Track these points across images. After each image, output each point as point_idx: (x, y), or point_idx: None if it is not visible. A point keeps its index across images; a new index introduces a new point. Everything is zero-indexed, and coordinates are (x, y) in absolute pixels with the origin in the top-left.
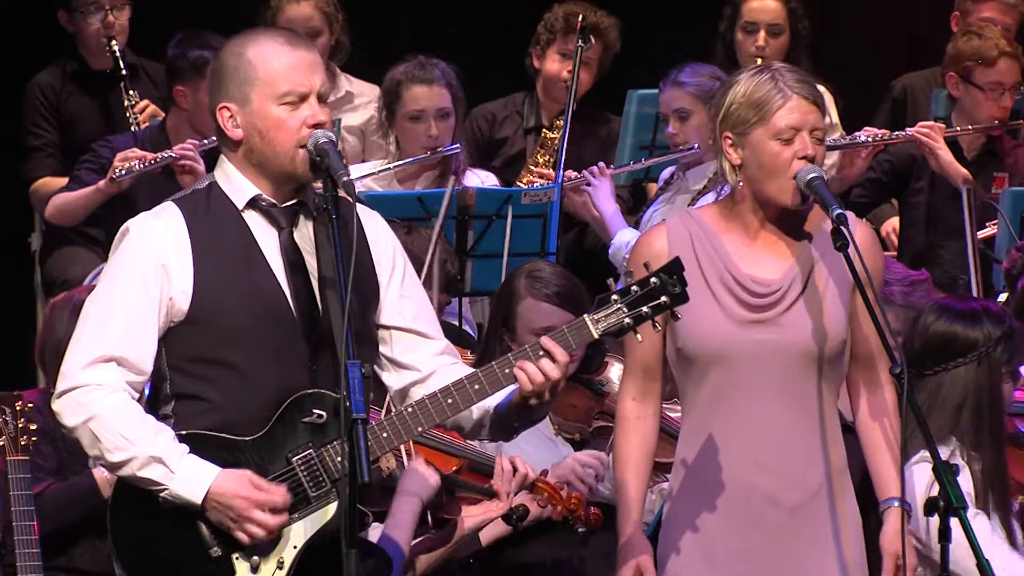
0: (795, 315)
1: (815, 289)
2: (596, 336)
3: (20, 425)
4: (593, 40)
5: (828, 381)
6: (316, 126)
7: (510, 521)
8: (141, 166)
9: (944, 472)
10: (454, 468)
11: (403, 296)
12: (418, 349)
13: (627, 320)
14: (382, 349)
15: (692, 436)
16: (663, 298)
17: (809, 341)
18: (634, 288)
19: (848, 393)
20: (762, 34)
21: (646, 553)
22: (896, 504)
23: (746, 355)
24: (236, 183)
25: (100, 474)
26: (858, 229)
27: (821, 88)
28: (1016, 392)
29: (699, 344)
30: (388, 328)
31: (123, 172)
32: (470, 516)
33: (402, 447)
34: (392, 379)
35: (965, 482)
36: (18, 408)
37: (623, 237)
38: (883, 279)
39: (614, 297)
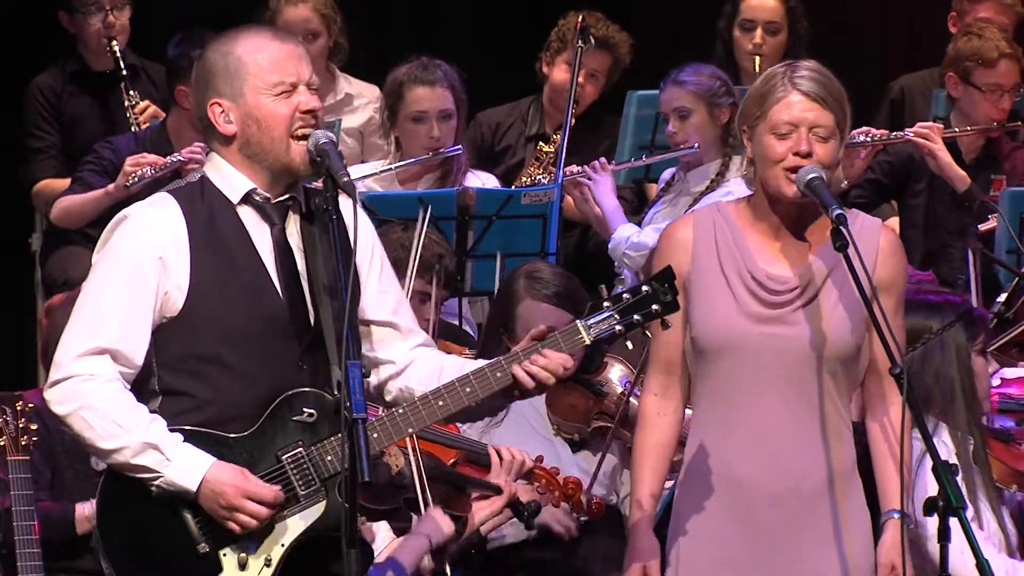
0: (806, 315)
1: (831, 292)
2: (588, 342)
3: (21, 425)
4: (593, 42)
5: (837, 383)
6: (308, 112)
7: (522, 517)
8: (152, 172)
9: (943, 472)
10: (452, 459)
11: (382, 291)
12: (394, 343)
13: (618, 327)
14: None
15: (700, 427)
16: (654, 306)
17: (816, 341)
18: (626, 296)
19: (864, 402)
20: (759, 32)
21: (653, 555)
22: (895, 516)
23: (753, 349)
24: (229, 178)
25: (81, 510)
26: (882, 235)
27: None
28: (1014, 387)
29: (710, 334)
30: (368, 323)
31: (136, 179)
32: (479, 510)
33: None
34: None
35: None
36: (19, 408)
37: (623, 232)
38: (905, 285)
39: (606, 304)
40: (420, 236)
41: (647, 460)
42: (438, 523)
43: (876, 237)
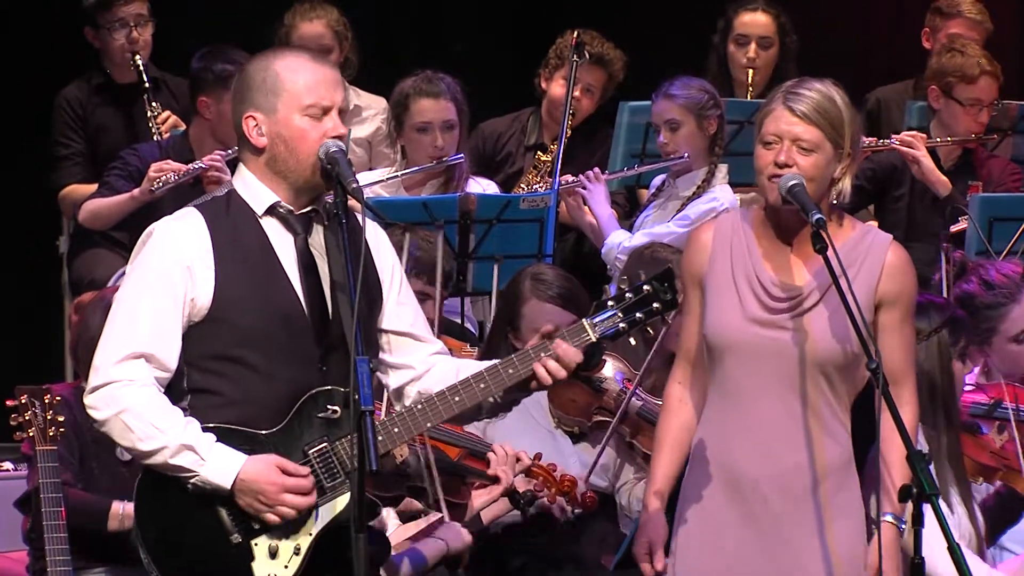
0: (804, 322)
1: (830, 302)
2: (594, 339)
3: (49, 417)
4: (587, 56)
5: (832, 385)
6: (336, 138)
7: (519, 506)
8: (175, 177)
9: (917, 461)
10: (456, 455)
11: (401, 303)
12: (414, 351)
13: (622, 324)
14: (380, 353)
15: (707, 421)
16: (655, 304)
17: (810, 347)
18: (628, 295)
19: (875, 408)
20: (752, 46)
21: (660, 531)
22: (888, 519)
23: (751, 350)
24: (255, 190)
25: (116, 508)
26: (891, 251)
27: None
28: (975, 395)
29: (715, 333)
30: (387, 332)
31: (160, 184)
32: (477, 497)
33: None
34: (389, 379)
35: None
36: (47, 401)
37: (616, 238)
38: (913, 299)
39: (610, 303)
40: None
41: (665, 444)
42: (458, 533)
43: (884, 253)
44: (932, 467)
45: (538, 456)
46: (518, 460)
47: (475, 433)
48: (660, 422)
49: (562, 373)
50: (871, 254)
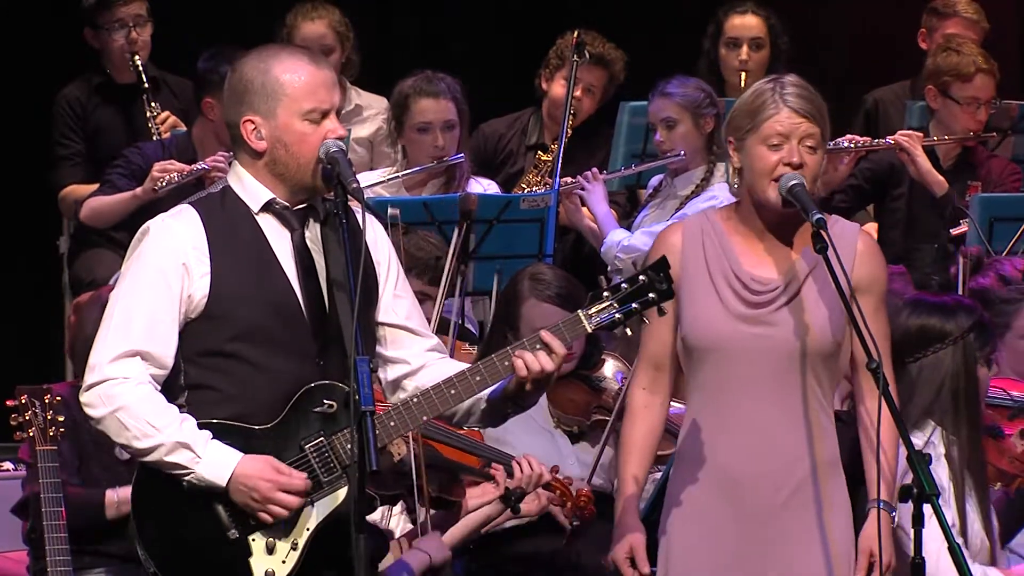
0: (786, 315)
1: (810, 292)
2: (589, 330)
3: (49, 417)
4: (588, 56)
5: (818, 378)
6: (337, 139)
7: (508, 503)
8: (179, 177)
9: (917, 461)
10: (480, 466)
11: (397, 296)
12: (410, 344)
13: (617, 315)
14: (376, 345)
15: (691, 422)
16: (650, 294)
17: (796, 339)
18: (624, 285)
19: (854, 397)
20: (744, 48)
21: (638, 532)
22: (880, 505)
23: (738, 349)
24: (250, 188)
25: (111, 496)
26: (860, 238)
27: None
28: (992, 381)
29: (697, 334)
30: (383, 325)
31: (163, 184)
32: (472, 497)
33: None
34: (385, 372)
35: (941, 471)
36: (47, 401)
37: (615, 237)
38: (885, 285)
39: (605, 293)
40: (455, 248)
41: (634, 448)
42: (441, 545)
43: (854, 241)
44: (947, 471)
45: (555, 469)
46: (540, 476)
47: (488, 443)
48: (624, 428)
49: (551, 364)
50: (842, 243)
